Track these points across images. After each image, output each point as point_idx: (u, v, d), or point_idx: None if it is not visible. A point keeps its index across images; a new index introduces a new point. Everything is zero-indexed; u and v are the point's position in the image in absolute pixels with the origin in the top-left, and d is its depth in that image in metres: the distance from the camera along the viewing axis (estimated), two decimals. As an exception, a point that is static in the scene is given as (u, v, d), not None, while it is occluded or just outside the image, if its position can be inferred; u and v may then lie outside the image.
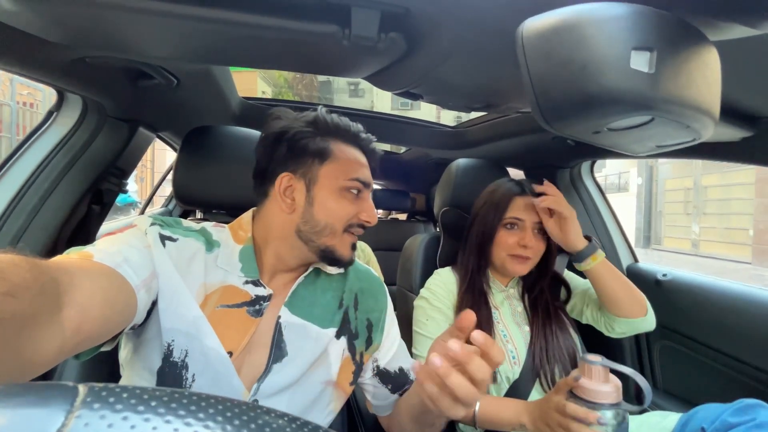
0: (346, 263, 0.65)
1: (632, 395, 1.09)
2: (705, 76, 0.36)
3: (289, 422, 0.19)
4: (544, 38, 0.34)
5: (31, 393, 0.16)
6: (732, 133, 0.76)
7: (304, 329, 0.62)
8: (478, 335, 0.45)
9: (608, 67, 0.32)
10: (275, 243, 0.63)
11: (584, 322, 1.04)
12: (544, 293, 0.96)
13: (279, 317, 0.61)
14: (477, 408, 0.77)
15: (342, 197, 0.62)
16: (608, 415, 0.62)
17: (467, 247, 1.00)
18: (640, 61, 0.31)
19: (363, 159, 0.66)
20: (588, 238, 0.91)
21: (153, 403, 0.16)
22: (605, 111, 0.34)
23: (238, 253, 0.62)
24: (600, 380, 0.65)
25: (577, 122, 0.36)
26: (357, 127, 0.67)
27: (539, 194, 0.92)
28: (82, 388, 0.16)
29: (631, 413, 0.73)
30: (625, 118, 0.35)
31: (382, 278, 0.79)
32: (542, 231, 0.93)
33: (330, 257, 0.63)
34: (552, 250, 0.95)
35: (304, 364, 0.61)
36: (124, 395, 0.16)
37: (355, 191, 0.63)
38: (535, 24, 0.34)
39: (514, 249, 0.92)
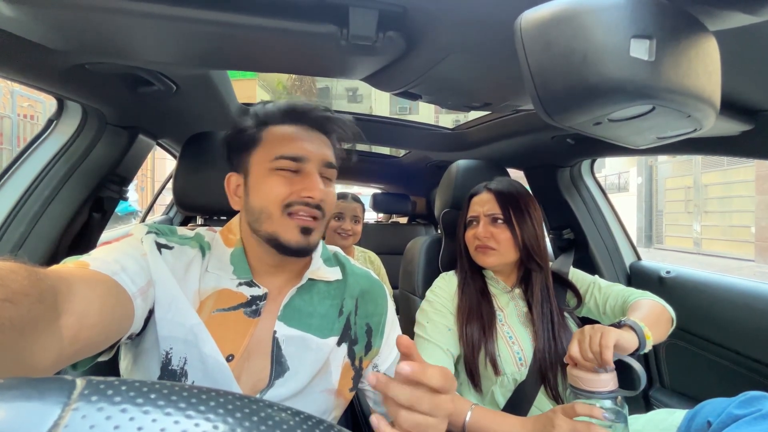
0: (294, 249, 0.58)
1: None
2: (705, 65, 0.36)
3: (293, 416, 0.19)
4: (543, 29, 0.34)
5: (27, 386, 0.15)
6: (731, 127, 0.76)
7: (303, 341, 0.61)
8: (403, 367, 0.43)
9: (608, 56, 0.31)
10: (249, 242, 0.63)
11: (582, 314, 1.03)
12: (548, 292, 0.95)
13: (275, 332, 0.60)
14: (468, 418, 0.75)
15: (273, 178, 0.58)
16: (607, 403, 0.64)
17: (458, 250, 1.05)
18: (640, 49, 0.31)
19: (298, 133, 0.61)
20: (618, 324, 0.79)
21: (152, 396, 0.16)
22: (606, 100, 0.33)
23: (229, 256, 0.62)
24: (595, 370, 0.67)
25: (578, 113, 0.36)
26: (293, 103, 0.63)
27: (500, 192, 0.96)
28: (80, 382, 0.16)
29: (635, 402, 0.74)
30: (626, 108, 0.35)
31: (388, 285, 0.78)
32: (497, 220, 0.95)
33: (276, 244, 0.58)
34: (526, 237, 0.93)
35: (307, 376, 0.60)
36: (123, 388, 0.16)
37: (288, 170, 0.59)
38: (533, 15, 0.34)
39: (475, 242, 0.97)
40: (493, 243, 0.94)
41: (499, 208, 0.95)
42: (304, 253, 0.60)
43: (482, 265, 0.98)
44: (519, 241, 0.93)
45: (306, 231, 0.58)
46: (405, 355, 0.46)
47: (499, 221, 0.95)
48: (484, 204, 0.98)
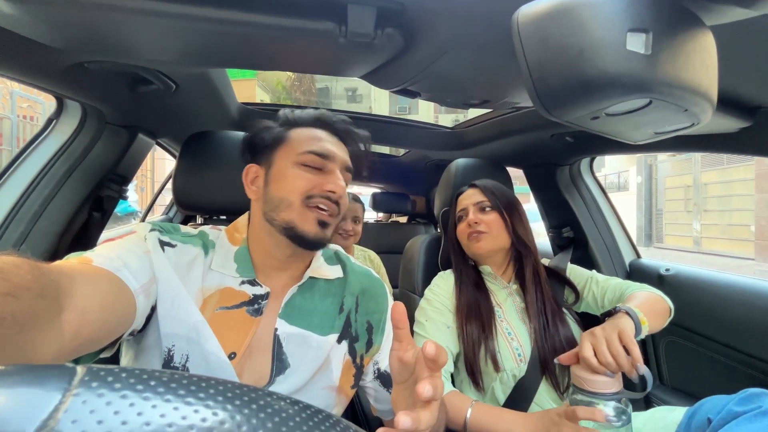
0: (311, 241, 0.60)
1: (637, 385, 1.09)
2: (702, 59, 0.36)
3: (291, 404, 0.19)
4: (540, 24, 0.34)
5: (28, 373, 0.15)
6: (730, 124, 0.76)
7: (304, 339, 0.62)
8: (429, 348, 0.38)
9: (605, 50, 0.32)
10: (258, 236, 0.64)
11: (581, 310, 1.03)
12: (539, 278, 0.95)
13: (276, 329, 0.60)
14: (468, 414, 0.75)
15: (297, 170, 0.61)
16: (612, 404, 0.64)
17: (450, 248, 1.08)
18: (636, 43, 0.31)
19: (324, 135, 0.65)
20: (611, 312, 0.81)
21: (152, 383, 0.16)
22: (603, 94, 0.34)
23: (234, 255, 0.62)
24: (600, 371, 0.66)
25: (576, 107, 0.36)
26: (322, 112, 0.67)
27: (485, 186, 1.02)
28: (80, 369, 0.16)
29: (635, 400, 0.73)
30: (623, 101, 0.35)
31: (388, 284, 0.79)
32: (485, 208, 0.99)
33: (293, 234, 0.59)
34: (515, 222, 0.97)
35: (308, 373, 0.61)
36: (123, 375, 0.16)
37: (312, 166, 0.62)
38: (530, 10, 0.35)
39: (467, 230, 1.00)
40: (484, 227, 0.97)
41: (485, 197, 1.00)
42: (319, 245, 0.62)
43: (476, 251, 0.98)
44: (509, 224, 0.96)
45: (323, 224, 0.60)
46: (395, 322, 0.43)
47: (488, 208, 0.99)
48: (470, 197, 1.03)
